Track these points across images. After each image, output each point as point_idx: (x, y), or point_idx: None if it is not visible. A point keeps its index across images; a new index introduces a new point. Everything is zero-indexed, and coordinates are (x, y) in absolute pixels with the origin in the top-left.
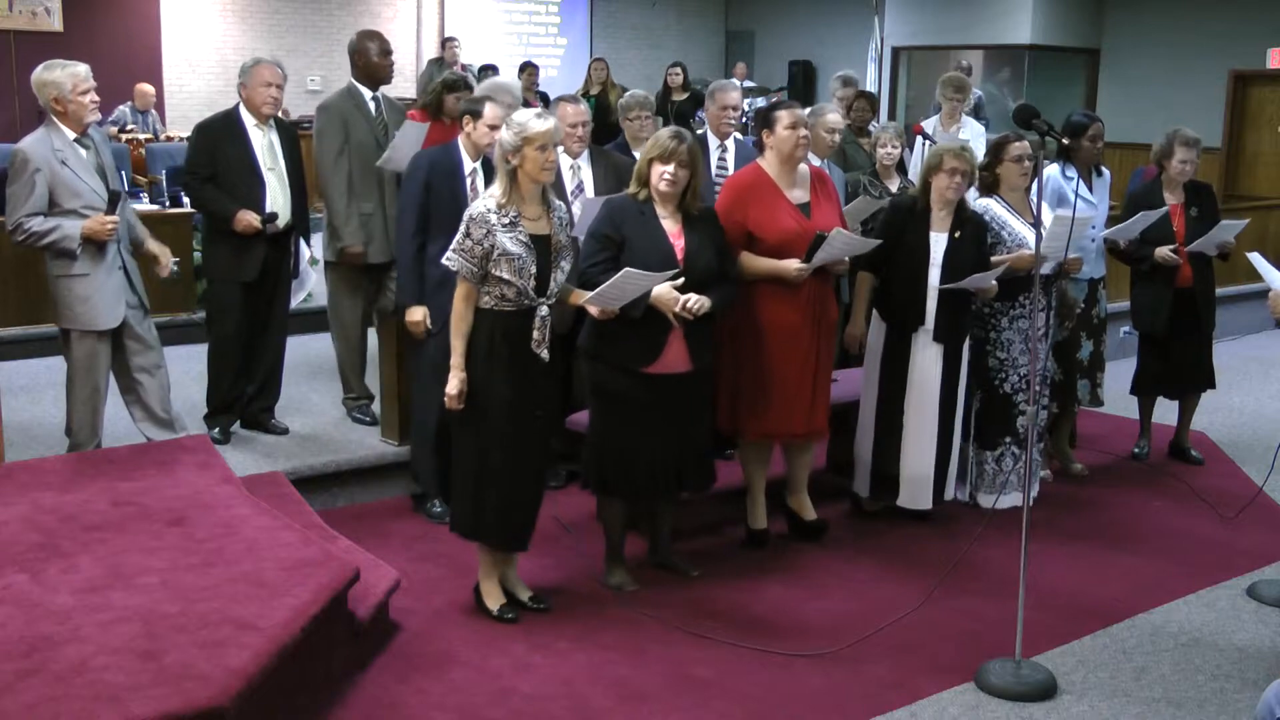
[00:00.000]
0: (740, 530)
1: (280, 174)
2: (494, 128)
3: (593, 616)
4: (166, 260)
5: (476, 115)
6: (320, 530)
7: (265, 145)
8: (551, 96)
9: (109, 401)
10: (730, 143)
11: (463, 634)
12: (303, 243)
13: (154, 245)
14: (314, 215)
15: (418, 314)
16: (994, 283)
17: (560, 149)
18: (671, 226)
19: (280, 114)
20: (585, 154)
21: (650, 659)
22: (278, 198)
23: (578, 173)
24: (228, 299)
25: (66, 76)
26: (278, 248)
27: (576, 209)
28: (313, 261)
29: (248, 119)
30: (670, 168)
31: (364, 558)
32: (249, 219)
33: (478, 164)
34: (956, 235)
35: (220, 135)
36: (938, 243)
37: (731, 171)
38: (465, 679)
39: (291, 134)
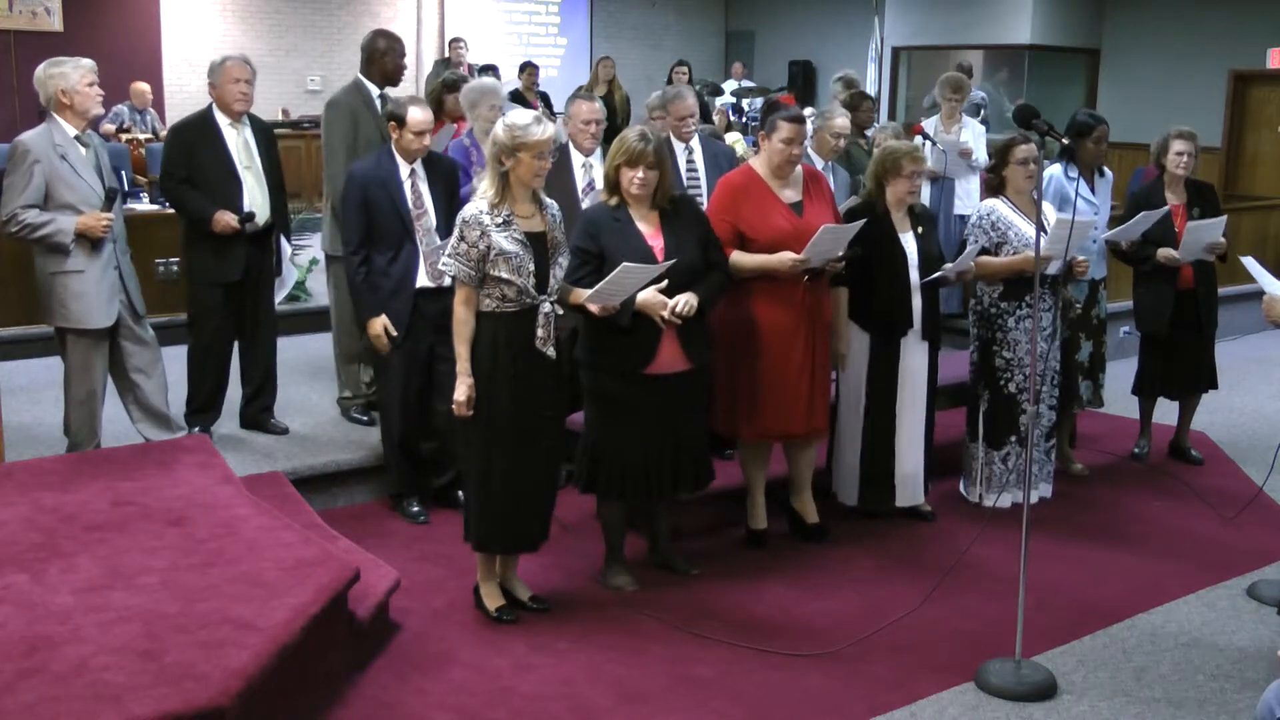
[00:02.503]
0: (740, 530)
1: (257, 172)
2: (419, 134)
3: (593, 616)
4: None
5: (401, 122)
6: (320, 530)
7: (240, 144)
8: (551, 96)
9: (108, 401)
10: (695, 143)
11: (463, 634)
12: (283, 240)
13: None
14: (315, 215)
15: (378, 325)
16: (972, 264)
17: (572, 146)
18: (647, 228)
19: (281, 113)
20: (597, 152)
21: (650, 659)
22: (255, 196)
23: (589, 170)
24: (209, 301)
25: (73, 69)
26: (259, 247)
27: (588, 205)
28: (296, 260)
29: (221, 118)
30: (639, 172)
31: (364, 558)
32: (227, 219)
33: (415, 165)
34: (919, 231)
35: (194, 136)
36: (909, 243)
37: (700, 169)
38: (465, 679)
39: (267, 131)
